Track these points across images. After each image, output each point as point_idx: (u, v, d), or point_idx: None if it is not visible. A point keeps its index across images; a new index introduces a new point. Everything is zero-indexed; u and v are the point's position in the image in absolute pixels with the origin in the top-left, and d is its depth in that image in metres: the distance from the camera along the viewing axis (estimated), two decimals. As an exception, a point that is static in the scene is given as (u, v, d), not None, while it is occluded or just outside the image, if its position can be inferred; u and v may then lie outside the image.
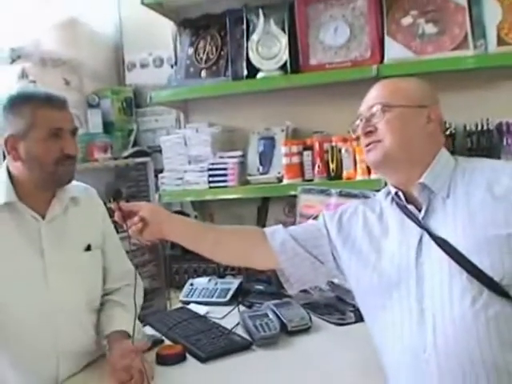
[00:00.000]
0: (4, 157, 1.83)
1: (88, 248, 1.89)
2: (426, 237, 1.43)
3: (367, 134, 1.51)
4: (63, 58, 3.40)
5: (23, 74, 3.25)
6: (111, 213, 1.78)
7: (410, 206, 1.49)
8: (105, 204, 2.01)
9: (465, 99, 2.63)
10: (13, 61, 3.25)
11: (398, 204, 1.53)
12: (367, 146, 1.52)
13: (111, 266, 1.98)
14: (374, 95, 1.53)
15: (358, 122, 1.56)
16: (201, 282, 2.60)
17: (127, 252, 2.04)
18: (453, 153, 2.29)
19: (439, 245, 1.40)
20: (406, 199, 1.51)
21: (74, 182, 1.92)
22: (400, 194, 1.52)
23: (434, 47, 2.59)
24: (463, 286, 1.34)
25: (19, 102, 1.75)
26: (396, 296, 1.45)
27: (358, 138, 1.58)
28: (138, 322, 1.90)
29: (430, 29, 2.61)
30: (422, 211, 1.46)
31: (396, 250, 1.50)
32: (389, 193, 1.58)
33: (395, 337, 1.44)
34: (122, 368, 1.66)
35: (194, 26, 3.20)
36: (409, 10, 2.65)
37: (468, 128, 2.57)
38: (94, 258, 1.92)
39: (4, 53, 3.21)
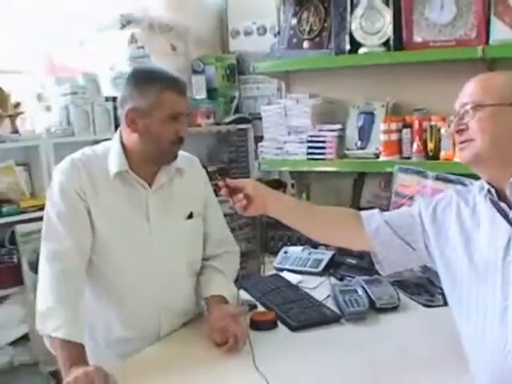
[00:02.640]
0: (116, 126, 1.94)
1: (190, 216, 2.00)
2: None
3: (459, 131, 1.52)
4: (171, 24, 3.52)
5: (132, 40, 3.39)
6: (216, 187, 1.87)
7: (503, 204, 1.50)
8: (206, 169, 2.12)
9: None
10: (123, 26, 3.40)
11: (491, 200, 1.54)
12: (460, 143, 1.53)
13: (211, 232, 2.09)
14: (468, 92, 1.52)
15: (452, 117, 1.56)
16: (295, 250, 2.69)
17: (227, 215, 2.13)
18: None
19: None
20: (499, 196, 1.52)
21: (181, 152, 2.03)
22: (492, 191, 1.53)
23: (542, 30, 2.51)
24: None
25: (146, 80, 1.84)
26: (482, 290, 1.48)
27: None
28: (234, 287, 2.03)
29: (540, 10, 2.53)
30: None
31: (485, 245, 1.51)
32: (483, 187, 1.59)
33: (477, 330, 1.48)
34: (218, 330, 1.79)
35: (298, -4, 3.23)
36: (518, -9, 2.58)
37: None
38: (195, 226, 2.03)
39: (114, 19, 3.36)
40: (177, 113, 1.83)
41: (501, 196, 1.51)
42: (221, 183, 1.73)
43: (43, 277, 1.76)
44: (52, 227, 1.81)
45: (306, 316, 1.97)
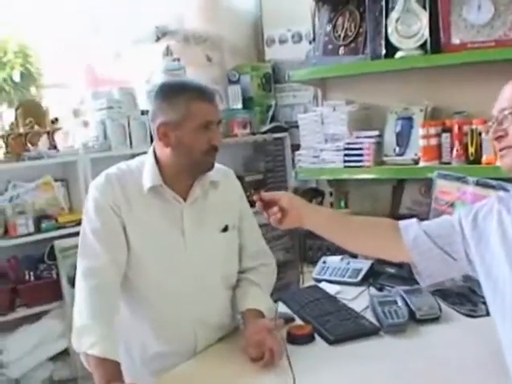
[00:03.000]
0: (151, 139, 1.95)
1: (225, 229, 1.99)
2: None
3: (498, 138, 1.47)
4: (205, 35, 3.53)
5: (168, 52, 3.41)
6: (251, 199, 1.86)
7: None
8: (241, 181, 2.11)
9: None
10: (158, 39, 3.42)
11: None
12: (500, 151, 1.48)
13: (247, 245, 2.07)
14: (507, 96, 1.48)
15: (490, 123, 1.52)
16: (333, 260, 2.65)
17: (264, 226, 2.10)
18: None
19: None
20: None
21: (215, 165, 2.03)
22: None
23: None
24: None
25: (174, 92, 1.84)
26: None
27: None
28: (271, 300, 2.01)
29: None
30: None
31: None
32: None
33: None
34: (254, 344, 1.76)
35: (332, 2, 3.21)
36: (560, -12, 2.50)
37: None
38: (230, 239, 2.01)
39: (149, 31, 3.38)
40: (207, 121, 1.83)
41: None
42: (255, 197, 1.71)
43: (79, 293, 1.77)
44: (87, 243, 1.83)
45: (344, 329, 1.93)
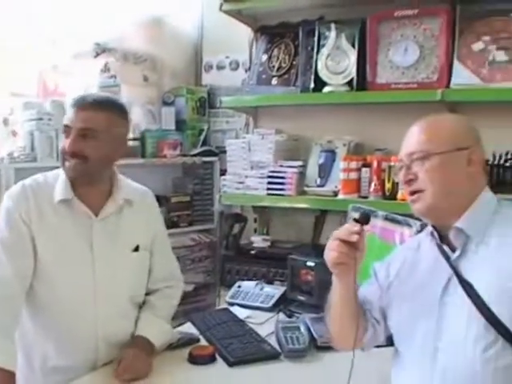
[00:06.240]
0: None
1: (136, 249, 2.01)
2: (455, 278, 1.45)
3: (408, 182, 1.51)
4: (145, 55, 3.54)
5: (105, 69, 3.41)
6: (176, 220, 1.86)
7: (445, 246, 1.50)
8: (167, 200, 2.11)
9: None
10: (97, 55, 3.42)
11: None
12: (411, 195, 1.52)
13: (154, 268, 2.09)
14: (413, 141, 1.52)
15: (398, 166, 1.56)
16: (248, 285, 2.69)
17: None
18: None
19: (464, 288, 1.41)
20: (443, 238, 1.52)
21: (133, 184, 2.06)
22: (435, 233, 1.54)
23: (502, 76, 2.53)
24: (479, 332, 1.36)
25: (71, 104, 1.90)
26: (419, 327, 1.49)
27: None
28: (165, 324, 2.05)
29: (501, 56, 2.55)
30: (456, 253, 1.47)
31: (425, 284, 1.52)
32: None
33: (407, 370, 1.49)
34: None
35: (270, 34, 3.27)
36: (481, 36, 2.60)
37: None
38: (140, 259, 2.03)
39: (89, 47, 3.38)
40: (65, 125, 1.87)
41: (444, 238, 1.52)
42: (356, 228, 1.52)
43: None
44: None
45: (245, 351, 1.96)
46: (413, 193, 1.51)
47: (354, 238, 1.48)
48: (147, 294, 2.08)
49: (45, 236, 1.87)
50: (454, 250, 1.49)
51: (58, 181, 1.92)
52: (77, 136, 1.84)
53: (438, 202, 1.47)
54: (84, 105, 1.85)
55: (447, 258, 1.49)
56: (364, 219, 1.52)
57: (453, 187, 1.47)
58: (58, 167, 2.34)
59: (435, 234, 1.54)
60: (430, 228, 1.57)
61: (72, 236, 1.90)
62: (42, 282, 1.87)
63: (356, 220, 1.52)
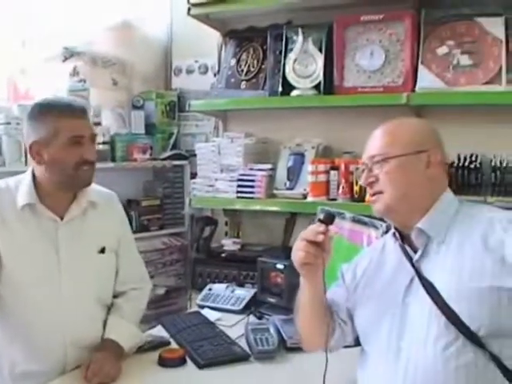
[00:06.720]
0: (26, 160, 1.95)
1: (102, 251, 2.02)
2: (417, 278, 1.48)
3: (369, 184, 1.56)
4: (114, 59, 3.54)
5: (74, 72, 3.40)
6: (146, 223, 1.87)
7: (407, 247, 1.54)
8: (137, 204, 2.11)
9: (494, 133, 2.63)
10: (65, 59, 3.40)
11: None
12: (372, 196, 1.57)
13: (121, 270, 2.10)
14: (374, 145, 1.57)
15: (361, 168, 1.61)
16: (219, 288, 2.70)
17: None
18: (477, 186, 2.31)
19: (425, 288, 1.45)
20: (405, 238, 1.56)
21: (97, 187, 2.06)
22: (397, 234, 1.57)
23: (466, 79, 2.58)
24: (440, 330, 1.39)
25: (43, 111, 1.88)
26: (383, 327, 1.52)
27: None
28: (133, 327, 2.06)
29: (465, 60, 2.60)
30: (418, 254, 1.51)
31: (390, 284, 1.56)
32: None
33: (373, 369, 1.51)
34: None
35: (238, 38, 3.29)
36: (445, 40, 2.65)
37: (493, 163, 2.53)
38: (107, 261, 2.04)
39: (57, 51, 3.36)
40: (76, 136, 1.86)
41: (407, 239, 1.55)
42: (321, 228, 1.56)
43: None
44: None
45: (214, 354, 1.98)
46: (374, 194, 1.56)
47: (320, 237, 1.52)
48: (115, 296, 2.09)
49: (8, 241, 1.87)
50: (416, 250, 1.53)
51: (20, 186, 1.92)
52: (92, 143, 1.91)
53: (396, 203, 1.52)
54: (78, 112, 1.90)
55: (410, 259, 1.52)
56: (328, 219, 1.56)
57: (411, 189, 1.52)
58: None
59: (397, 234, 1.58)
60: (392, 229, 1.61)
61: (37, 240, 1.90)
62: (7, 287, 1.87)
63: (321, 220, 1.56)
